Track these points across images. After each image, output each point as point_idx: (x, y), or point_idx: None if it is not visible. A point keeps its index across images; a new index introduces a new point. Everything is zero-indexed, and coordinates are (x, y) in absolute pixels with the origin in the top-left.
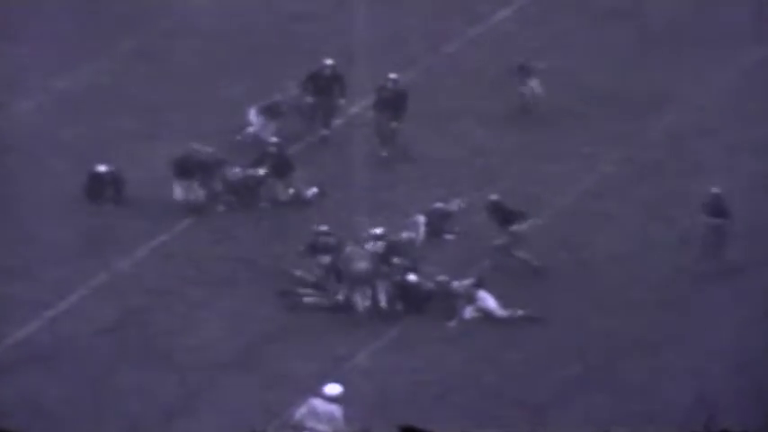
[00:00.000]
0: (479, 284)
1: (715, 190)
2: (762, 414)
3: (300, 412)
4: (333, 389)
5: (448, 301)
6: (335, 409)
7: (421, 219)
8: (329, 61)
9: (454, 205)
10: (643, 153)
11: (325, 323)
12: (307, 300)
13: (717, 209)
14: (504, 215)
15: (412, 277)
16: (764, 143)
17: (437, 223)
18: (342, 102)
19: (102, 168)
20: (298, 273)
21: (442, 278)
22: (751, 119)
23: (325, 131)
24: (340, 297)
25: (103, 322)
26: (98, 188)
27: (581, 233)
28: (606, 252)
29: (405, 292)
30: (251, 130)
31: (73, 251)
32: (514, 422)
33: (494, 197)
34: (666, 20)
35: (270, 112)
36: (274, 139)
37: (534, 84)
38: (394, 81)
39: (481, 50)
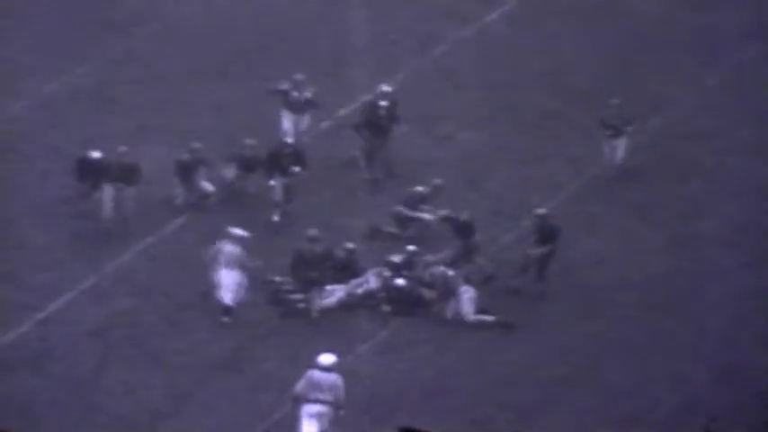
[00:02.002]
0: (468, 281)
1: (541, 211)
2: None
3: (300, 386)
4: (328, 358)
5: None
6: (335, 378)
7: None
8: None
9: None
10: (629, 156)
11: (313, 325)
12: (300, 306)
13: (543, 231)
14: (458, 228)
15: (399, 281)
16: (753, 146)
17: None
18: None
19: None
20: (280, 279)
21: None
22: (739, 121)
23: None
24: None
25: (92, 324)
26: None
27: (566, 236)
28: (592, 255)
29: (393, 296)
30: (289, 140)
31: (61, 254)
32: (501, 424)
33: (443, 212)
34: (655, 22)
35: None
36: (289, 140)
37: (619, 144)
38: (388, 94)
39: (468, 53)
